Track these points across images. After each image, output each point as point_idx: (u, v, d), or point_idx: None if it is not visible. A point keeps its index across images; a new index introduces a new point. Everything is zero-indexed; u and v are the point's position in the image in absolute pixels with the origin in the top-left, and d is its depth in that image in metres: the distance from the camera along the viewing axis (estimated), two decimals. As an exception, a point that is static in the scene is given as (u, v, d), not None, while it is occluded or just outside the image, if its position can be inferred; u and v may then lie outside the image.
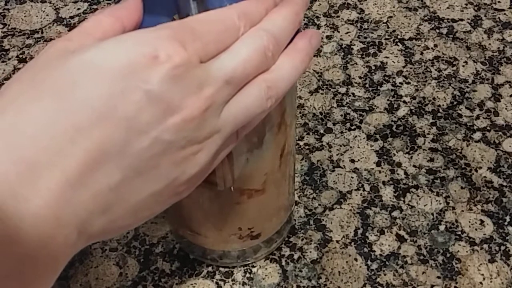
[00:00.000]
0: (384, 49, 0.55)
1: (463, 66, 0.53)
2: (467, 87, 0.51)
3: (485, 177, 0.45)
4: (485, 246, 0.42)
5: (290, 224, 0.42)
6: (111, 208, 0.22)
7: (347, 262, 0.41)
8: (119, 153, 0.22)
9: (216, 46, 0.23)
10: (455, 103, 0.50)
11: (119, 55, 0.22)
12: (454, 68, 0.53)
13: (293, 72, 0.26)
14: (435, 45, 0.55)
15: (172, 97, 0.22)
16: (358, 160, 0.47)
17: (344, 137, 0.48)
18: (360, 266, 0.41)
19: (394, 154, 0.47)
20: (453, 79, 0.52)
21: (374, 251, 0.42)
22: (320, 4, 0.59)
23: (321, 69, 0.53)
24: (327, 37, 0.56)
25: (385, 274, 0.40)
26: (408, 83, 0.52)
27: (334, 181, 0.46)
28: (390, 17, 0.57)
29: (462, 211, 0.44)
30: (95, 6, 0.60)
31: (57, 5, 0.60)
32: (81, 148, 0.21)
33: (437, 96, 0.51)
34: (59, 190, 0.21)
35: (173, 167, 0.23)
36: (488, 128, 0.48)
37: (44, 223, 0.20)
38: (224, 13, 0.24)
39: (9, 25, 0.58)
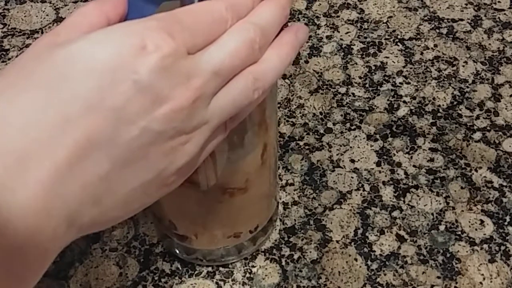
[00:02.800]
0: (384, 49, 0.55)
1: (463, 66, 0.53)
2: (467, 87, 0.51)
3: (485, 177, 0.45)
4: (485, 246, 0.42)
5: (274, 222, 0.42)
6: (101, 199, 0.22)
7: (347, 262, 0.41)
8: (108, 143, 0.22)
9: (204, 38, 0.24)
10: (455, 103, 0.50)
11: (107, 46, 0.22)
12: (454, 68, 0.53)
13: (279, 65, 0.26)
14: (435, 45, 0.55)
15: (161, 87, 0.22)
16: (358, 160, 0.47)
17: (344, 137, 0.48)
18: (360, 266, 0.41)
19: (394, 154, 0.47)
20: (453, 79, 0.52)
21: (374, 251, 0.42)
22: (320, 4, 0.59)
23: (321, 69, 0.53)
24: (327, 37, 0.56)
25: (385, 274, 0.40)
26: (408, 83, 0.52)
27: (334, 181, 0.46)
28: (390, 17, 0.57)
29: (462, 211, 0.44)
30: (95, 6, 0.60)
31: (57, 5, 0.60)
32: (70, 139, 0.21)
33: (437, 96, 0.51)
34: (47, 182, 0.21)
35: (162, 157, 0.23)
36: (488, 128, 0.48)
37: (33, 215, 0.20)
38: (212, 5, 0.24)
39: (9, 25, 0.58)
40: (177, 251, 0.41)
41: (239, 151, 0.33)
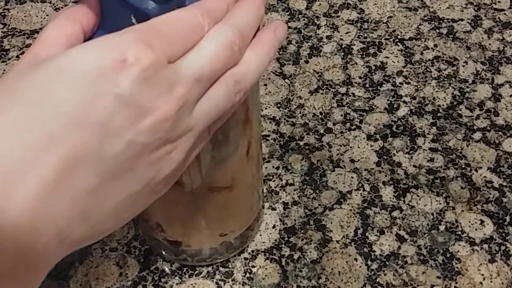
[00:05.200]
0: (384, 49, 0.55)
1: (463, 66, 0.53)
2: (467, 87, 0.51)
3: (485, 177, 0.45)
4: (485, 246, 0.42)
5: (261, 219, 0.42)
6: (90, 213, 0.22)
7: (347, 262, 0.41)
8: (94, 158, 0.22)
9: (183, 46, 0.24)
10: (455, 103, 0.50)
11: (88, 61, 0.22)
12: (454, 68, 0.53)
13: (259, 65, 0.26)
14: (435, 45, 0.55)
15: (144, 99, 0.22)
16: (358, 160, 0.47)
17: (344, 137, 0.48)
18: (360, 266, 0.41)
19: (394, 154, 0.47)
20: (453, 79, 0.52)
21: (374, 251, 0.42)
22: (320, 4, 0.59)
23: (321, 69, 0.53)
24: (327, 37, 0.56)
25: (385, 274, 0.40)
26: (408, 83, 0.52)
27: (334, 181, 0.46)
28: (390, 17, 0.57)
29: (462, 211, 0.44)
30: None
31: (57, 5, 0.60)
32: (55, 156, 0.21)
33: (437, 96, 0.51)
34: (35, 199, 0.20)
35: (149, 167, 0.23)
36: (488, 128, 0.49)
37: (22, 233, 0.20)
38: (188, 12, 0.24)
39: (9, 25, 0.58)
40: (164, 253, 0.41)
41: (224, 150, 0.33)
